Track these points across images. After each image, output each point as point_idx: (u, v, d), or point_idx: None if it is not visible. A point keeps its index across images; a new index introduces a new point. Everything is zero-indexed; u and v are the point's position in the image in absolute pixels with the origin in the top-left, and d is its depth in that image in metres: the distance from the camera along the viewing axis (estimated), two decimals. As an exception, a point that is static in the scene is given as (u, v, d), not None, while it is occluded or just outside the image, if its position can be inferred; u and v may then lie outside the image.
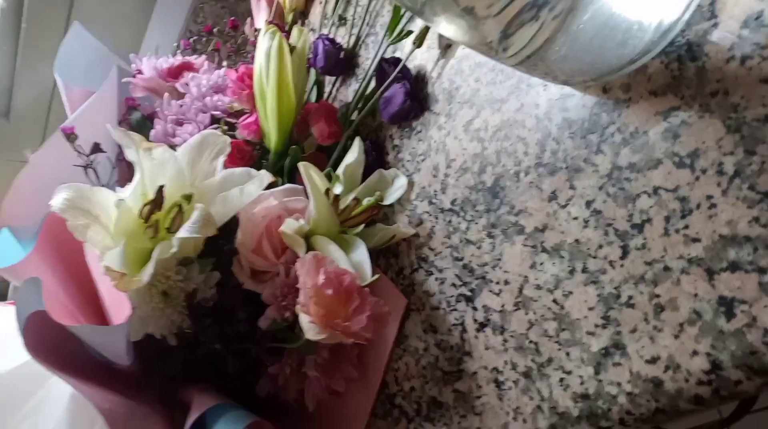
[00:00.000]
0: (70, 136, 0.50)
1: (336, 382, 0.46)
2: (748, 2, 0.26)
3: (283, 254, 0.46)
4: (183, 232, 0.39)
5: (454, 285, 0.40)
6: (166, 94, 0.54)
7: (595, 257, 0.31)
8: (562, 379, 0.32)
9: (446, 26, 0.27)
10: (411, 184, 0.45)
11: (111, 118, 0.56)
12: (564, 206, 0.33)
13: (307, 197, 0.48)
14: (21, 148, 0.96)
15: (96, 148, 0.54)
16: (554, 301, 0.33)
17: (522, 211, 0.35)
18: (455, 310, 0.40)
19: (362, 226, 0.46)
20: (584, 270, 0.32)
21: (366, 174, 0.48)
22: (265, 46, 0.47)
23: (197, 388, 0.48)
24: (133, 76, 0.58)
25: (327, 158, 0.51)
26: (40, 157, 0.50)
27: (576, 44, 0.28)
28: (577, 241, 0.32)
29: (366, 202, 0.45)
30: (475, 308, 0.38)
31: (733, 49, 0.26)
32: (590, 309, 0.31)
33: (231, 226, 0.48)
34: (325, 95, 0.58)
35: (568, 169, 0.33)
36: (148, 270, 0.39)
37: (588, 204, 0.32)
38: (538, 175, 0.35)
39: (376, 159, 0.48)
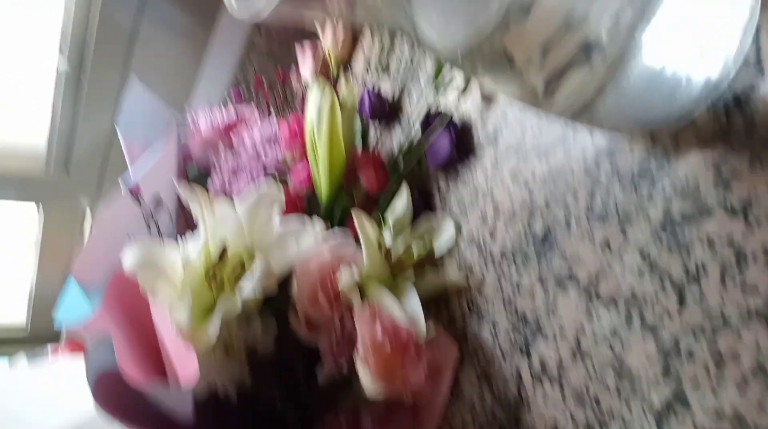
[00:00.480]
0: (136, 193, 0.53)
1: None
2: (797, 56, 0.26)
3: (337, 304, 0.47)
4: (245, 288, 0.41)
5: (508, 334, 0.40)
6: (222, 148, 0.57)
7: (652, 307, 0.31)
8: (624, 433, 0.32)
9: (488, 79, 0.28)
10: (459, 231, 0.46)
11: (171, 173, 0.59)
12: (618, 255, 0.33)
13: (357, 243, 0.50)
14: (80, 198, 1.02)
15: (158, 202, 0.57)
16: (612, 352, 0.33)
17: (575, 260, 0.36)
18: (511, 360, 0.40)
19: (413, 272, 0.47)
20: (642, 320, 0.32)
21: (414, 220, 0.49)
22: (317, 102, 0.49)
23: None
24: (191, 131, 0.62)
25: (375, 206, 0.53)
26: (107, 213, 0.53)
27: (624, 98, 0.28)
28: (632, 290, 0.32)
29: (416, 249, 0.46)
30: (531, 359, 0.38)
31: (784, 102, 0.26)
32: (650, 360, 0.31)
33: (286, 279, 0.50)
34: (371, 142, 0.59)
35: (619, 218, 0.33)
36: (214, 325, 0.41)
37: (642, 253, 0.32)
38: (589, 224, 0.35)
39: (424, 205, 0.50)
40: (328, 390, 0.45)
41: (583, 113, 0.29)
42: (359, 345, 0.39)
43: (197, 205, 0.45)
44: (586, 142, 0.36)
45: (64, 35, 0.77)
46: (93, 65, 0.80)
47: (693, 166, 0.30)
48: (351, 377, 0.45)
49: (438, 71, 0.47)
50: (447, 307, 0.46)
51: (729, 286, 0.28)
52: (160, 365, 0.52)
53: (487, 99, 0.45)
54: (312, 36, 0.75)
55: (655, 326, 0.31)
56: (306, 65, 0.67)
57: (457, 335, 0.45)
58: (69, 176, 0.93)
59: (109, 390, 0.46)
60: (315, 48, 0.67)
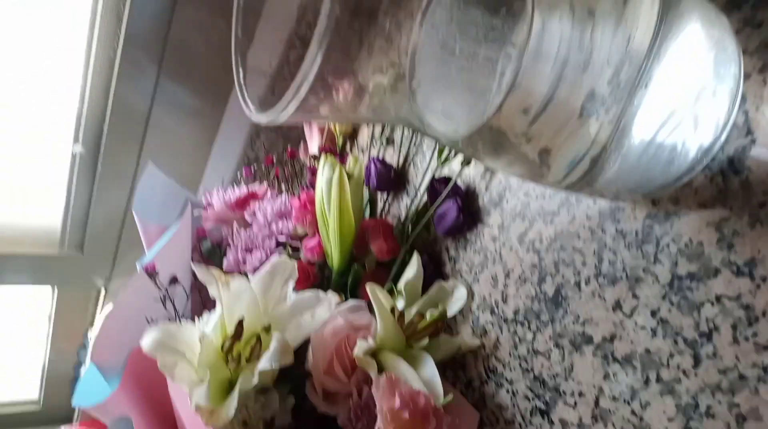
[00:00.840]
0: (153, 273, 0.55)
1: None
2: (780, 122, 0.27)
3: (353, 373, 0.47)
4: (263, 364, 0.42)
5: (527, 397, 0.40)
6: (235, 224, 0.59)
7: (668, 366, 0.32)
8: (653, 496, 0.32)
9: (488, 159, 0.30)
10: (471, 295, 0.47)
11: (186, 251, 0.61)
12: (630, 316, 0.34)
13: (371, 312, 0.50)
14: (93, 278, 1.04)
15: (173, 281, 0.58)
16: (633, 412, 0.33)
17: (588, 321, 0.36)
18: (531, 424, 0.40)
19: (427, 339, 0.48)
20: (659, 380, 0.32)
21: (425, 286, 0.50)
22: (326, 176, 0.51)
23: None
24: (204, 209, 0.64)
25: (387, 273, 0.54)
26: (125, 296, 0.54)
27: (621, 168, 0.30)
28: (647, 350, 0.33)
29: (429, 315, 0.46)
30: (552, 422, 0.38)
31: (774, 164, 0.28)
32: (670, 420, 0.31)
33: (301, 349, 0.50)
34: (378, 211, 0.61)
35: (628, 278, 0.34)
36: (233, 403, 0.41)
37: (653, 313, 0.33)
38: (599, 285, 0.36)
39: (435, 271, 0.51)
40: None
41: (582, 185, 0.31)
42: (378, 415, 0.39)
43: (213, 284, 0.46)
44: (589, 206, 0.37)
45: (79, 120, 0.80)
46: (107, 148, 0.84)
47: (695, 227, 0.31)
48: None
49: (442, 145, 0.49)
50: (464, 372, 0.46)
51: (742, 344, 0.28)
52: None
53: (488, 167, 0.47)
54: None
55: (673, 386, 0.31)
56: (313, 140, 0.70)
57: (476, 400, 0.45)
58: (83, 256, 0.94)
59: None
60: (321, 125, 0.70)
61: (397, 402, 0.38)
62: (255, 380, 0.42)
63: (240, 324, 0.44)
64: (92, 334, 1.01)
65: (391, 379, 0.40)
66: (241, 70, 0.28)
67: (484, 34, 0.30)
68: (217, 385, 0.45)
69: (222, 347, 0.45)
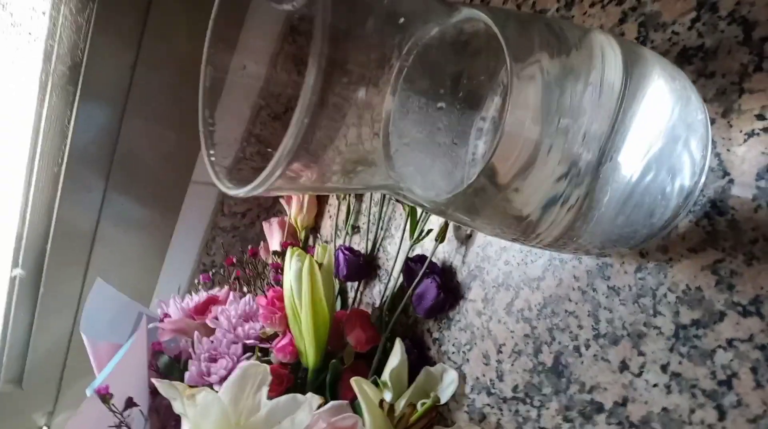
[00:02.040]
0: (105, 396, 0.49)
1: None
2: (754, 157, 0.28)
3: (344, 481, 0.42)
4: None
5: (541, 483, 0.37)
6: (196, 333, 0.54)
7: (690, 423, 0.29)
8: None
9: (471, 219, 0.29)
10: (463, 377, 0.44)
11: (142, 369, 0.55)
12: (639, 375, 0.32)
13: (354, 411, 0.46)
14: (34, 415, 0.93)
15: (130, 403, 0.52)
16: (663, 483, 0.30)
17: (595, 387, 0.34)
18: None
19: (421, 432, 0.44)
20: (685, 441, 0.29)
21: (411, 375, 0.47)
22: (295, 268, 0.48)
23: None
24: (160, 320, 0.59)
25: (367, 365, 0.50)
26: (77, 423, 0.48)
27: (601, 224, 0.29)
28: (665, 409, 0.30)
29: (421, 405, 0.43)
30: None
31: (757, 199, 0.28)
32: (708, 485, 0.28)
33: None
34: (350, 301, 0.58)
35: (630, 335, 0.33)
36: None
37: (663, 368, 0.31)
38: (600, 347, 0.34)
39: (419, 357, 0.48)
40: None
41: (566, 241, 0.30)
42: None
43: (177, 399, 0.42)
44: (575, 267, 0.36)
45: (20, 242, 0.75)
46: (50, 269, 0.78)
47: (690, 274, 0.30)
48: None
49: (414, 225, 0.48)
50: (465, 466, 0.42)
51: (767, 387, 0.27)
52: None
53: (463, 239, 0.46)
54: (277, 211, 0.78)
55: (702, 445, 0.29)
56: (274, 238, 0.68)
57: (484, 497, 0.41)
58: (22, 390, 0.85)
59: None
60: (281, 221, 0.69)
61: None
62: (235, 505, 0.37)
63: (212, 441, 0.39)
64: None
65: (391, 482, 0.36)
66: (210, 149, 0.26)
67: (455, 105, 0.31)
68: None
69: (193, 473, 0.39)
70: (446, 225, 0.45)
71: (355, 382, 0.41)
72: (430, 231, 0.47)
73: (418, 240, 0.47)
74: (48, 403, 0.91)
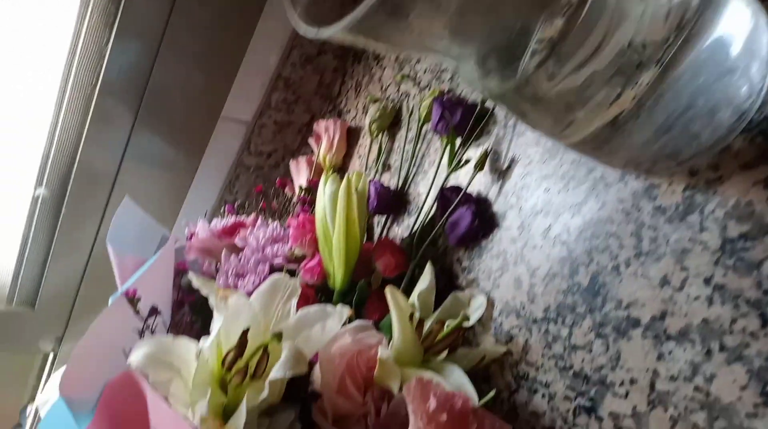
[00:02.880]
0: (133, 298, 0.49)
1: None
2: (821, 70, 0.28)
3: (368, 392, 0.43)
4: (276, 373, 0.37)
5: (567, 398, 0.37)
6: (225, 250, 0.55)
7: (731, 333, 0.30)
8: (732, 479, 0.29)
9: (525, 107, 0.29)
10: (491, 303, 0.45)
11: (168, 281, 0.56)
12: (680, 289, 0.33)
13: (378, 331, 0.47)
14: (43, 339, 0.94)
15: (154, 311, 0.53)
16: (696, 388, 0.31)
17: (632, 304, 0.35)
18: (575, 425, 0.37)
19: (445, 353, 0.44)
20: (722, 348, 0.30)
21: (437, 302, 0.47)
22: (330, 190, 0.49)
23: None
24: (187, 239, 0.60)
25: (393, 292, 0.51)
26: (101, 323, 0.48)
27: (655, 124, 0.30)
28: (705, 320, 0.31)
29: (448, 325, 0.43)
30: (600, 418, 0.35)
31: (821, 110, 0.28)
32: (742, 388, 0.29)
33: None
34: (376, 237, 0.59)
35: (673, 252, 0.33)
36: (241, 419, 0.36)
37: (707, 281, 0.31)
38: (641, 264, 0.35)
39: (447, 284, 0.48)
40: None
41: (612, 139, 0.31)
42: (412, 419, 0.35)
43: (212, 293, 0.42)
44: (620, 189, 0.37)
45: (45, 161, 0.76)
46: (74, 192, 0.78)
47: (741, 189, 0.31)
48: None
49: (453, 154, 0.48)
50: (488, 384, 0.43)
51: (813, 291, 0.27)
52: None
53: (501, 171, 0.46)
54: (304, 152, 0.78)
55: (740, 351, 0.30)
56: (301, 175, 0.69)
57: (505, 413, 0.41)
58: (34, 312, 0.85)
59: None
60: (309, 159, 0.69)
61: (433, 404, 0.35)
62: (264, 393, 0.37)
63: (245, 334, 0.40)
64: (39, 400, 0.89)
65: (422, 381, 0.36)
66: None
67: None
68: (213, 410, 0.40)
69: (223, 362, 0.40)
70: (485, 155, 0.46)
71: (389, 290, 0.41)
72: (468, 160, 0.47)
73: (457, 167, 0.48)
74: (58, 329, 0.91)
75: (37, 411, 0.97)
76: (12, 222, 0.79)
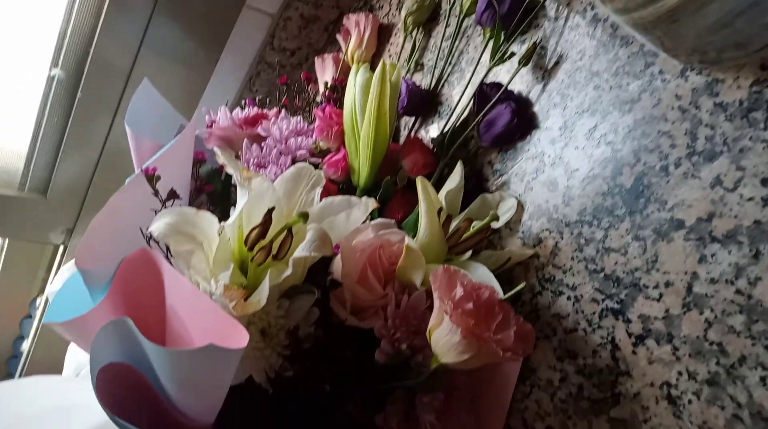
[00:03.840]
0: (152, 176, 0.48)
1: (451, 432, 0.41)
2: None
3: (388, 285, 0.43)
4: (301, 251, 0.36)
5: (594, 300, 0.37)
6: (246, 140, 0.53)
7: (785, 235, 0.29)
8: (764, 378, 0.28)
9: None
10: (521, 205, 0.43)
11: (187, 165, 0.55)
12: (733, 189, 0.31)
13: (400, 228, 0.46)
14: (53, 230, 0.94)
15: (172, 194, 0.51)
16: (738, 291, 0.30)
17: (678, 205, 0.33)
18: (600, 327, 0.36)
19: (469, 253, 0.43)
20: (773, 251, 0.29)
21: (464, 203, 0.46)
22: (362, 79, 0.46)
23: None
24: (208, 126, 0.58)
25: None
26: (119, 198, 0.47)
27: (729, 3, 0.27)
28: (756, 221, 0.30)
29: (475, 225, 0.42)
30: (628, 320, 0.34)
31: None
32: (790, 292, 0.28)
33: (324, 262, 0.45)
34: (401, 140, 0.57)
35: (730, 151, 0.31)
36: (264, 291, 0.35)
37: (764, 181, 0.30)
38: (692, 165, 0.33)
39: (476, 186, 0.47)
40: (383, 377, 0.39)
41: (683, 17, 0.28)
42: (438, 304, 0.34)
43: (237, 171, 0.41)
44: (678, 85, 0.35)
45: (62, 40, 0.73)
46: (90, 75, 0.76)
47: (818, 82, 0.29)
48: (409, 360, 0.39)
49: (497, 45, 0.45)
50: (510, 287, 0.42)
51: None
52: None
53: (546, 68, 0.44)
54: (328, 51, 0.75)
55: (792, 254, 0.28)
56: (327, 73, 0.66)
57: (526, 315, 0.41)
58: (46, 200, 0.85)
59: (111, 384, 0.39)
60: (336, 57, 0.66)
61: (459, 292, 0.34)
62: (288, 271, 0.37)
63: (269, 212, 0.39)
64: (49, 291, 0.91)
65: (449, 270, 0.35)
66: None
67: None
68: (234, 284, 0.39)
69: (245, 241, 0.39)
70: (533, 47, 0.43)
71: (420, 181, 0.40)
72: (513, 54, 0.45)
73: (501, 61, 0.45)
74: (69, 221, 0.91)
75: (47, 302, 0.99)
76: (27, 103, 0.77)
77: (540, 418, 0.38)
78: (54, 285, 0.94)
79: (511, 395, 0.40)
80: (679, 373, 0.31)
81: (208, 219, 0.39)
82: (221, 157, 0.40)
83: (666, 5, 0.28)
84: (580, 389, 0.36)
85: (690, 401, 0.31)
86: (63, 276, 0.82)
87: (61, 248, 0.97)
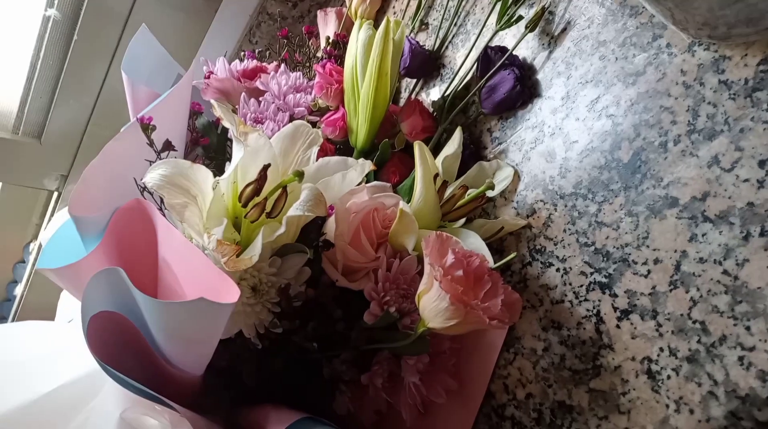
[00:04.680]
0: (147, 126, 0.48)
1: (435, 393, 0.42)
2: None
3: (380, 248, 0.43)
4: (294, 210, 0.36)
5: (583, 273, 0.37)
6: (243, 94, 0.52)
7: (777, 219, 0.29)
8: (742, 358, 0.29)
9: None
10: (518, 175, 0.43)
11: (183, 116, 0.54)
12: (729, 170, 0.31)
13: (396, 192, 0.46)
14: (48, 175, 0.93)
15: (168, 146, 0.51)
16: (725, 272, 0.30)
17: (673, 183, 0.33)
18: (586, 300, 0.36)
19: (462, 221, 0.44)
20: (763, 234, 0.29)
21: (461, 170, 0.46)
22: (364, 36, 0.45)
23: (271, 407, 0.43)
24: (205, 77, 0.57)
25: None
26: (114, 147, 0.47)
27: None
28: (750, 203, 0.30)
29: (470, 193, 0.42)
30: (614, 295, 0.35)
31: None
32: (776, 276, 0.28)
33: (317, 222, 0.45)
34: (401, 102, 0.56)
35: (731, 130, 0.31)
36: (257, 248, 0.36)
37: (762, 163, 0.30)
38: (691, 142, 0.33)
39: (473, 154, 0.46)
40: (371, 338, 0.40)
41: None
42: (428, 270, 0.34)
43: (234, 125, 0.40)
44: (685, 60, 0.34)
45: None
46: (87, 17, 0.74)
47: (826, 65, 0.28)
48: (396, 323, 0.40)
49: (504, 8, 0.44)
50: (501, 256, 0.43)
51: None
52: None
53: (553, 35, 0.43)
54: (331, 5, 0.73)
55: (783, 237, 0.28)
56: (329, 28, 0.64)
57: (515, 284, 0.41)
58: (41, 145, 0.84)
59: (102, 332, 0.40)
60: (339, 11, 0.65)
61: (450, 258, 0.34)
62: (281, 229, 0.37)
63: (265, 169, 0.39)
64: (43, 237, 0.91)
65: (442, 236, 0.36)
66: None
67: None
68: (227, 239, 0.39)
69: (239, 197, 0.39)
70: (542, 11, 0.42)
71: (418, 145, 0.39)
72: (521, 17, 0.43)
73: (508, 24, 0.44)
74: (63, 168, 0.91)
75: (40, 247, 1.00)
76: (21, 44, 0.75)
77: (521, 385, 0.39)
78: (47, 232, 0.94)
79: (495, 361, 0.41)
80: (661, 349, 0.32)
81: (203, 173, 0.39)
82: (218, 110, 0.40)
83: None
84: (563, 359, 0.37)
85: (669, 377, 0.31)
86: (56, 223, 0.82)
87: (55, 194, 0.97)
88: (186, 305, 0.33)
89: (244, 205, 0.39)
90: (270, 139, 0.43)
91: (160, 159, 0.50)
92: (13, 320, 1.09)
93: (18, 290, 1.12)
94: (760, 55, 0.31)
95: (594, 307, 0.36)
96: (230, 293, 0.34)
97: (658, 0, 0.29)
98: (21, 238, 1.10)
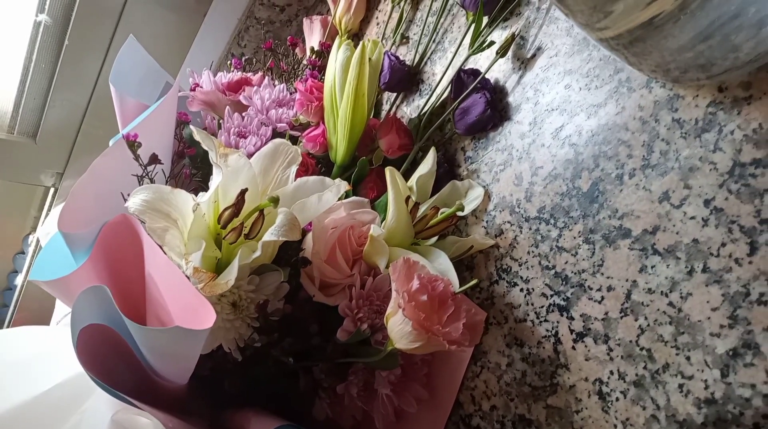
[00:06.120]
0: (133, 143, 0.49)
1: (406, 403, 0.44)
2: None
3: (355, 265, 0.45)
4: (269, 235, 0.38)
5: (544, 295, 0.39)
6: (228, 108, 0.54)
7: (717, 256, 0.30)
8: (681, 385, 0.31)
9: None
10: (488, 195, 0.45)
11: (169, 129, 0.55)
12: (678, 206, 0.32)
13: (373, 208, 0.48)
14: (44, 173, 0.95)
15: (154, 159, 0.52)
16: (670, 304, 0.32)
17: (627, 214, 0.35)
18: (546, 321, 0.38)
19: (435, 238, 0.45)
20: (705, 270, 0.31)
21: (436, 187, 0.47)
22: (342, 57, 0.47)
23: (252, 412, 0.45)
24: (191, 89, 0.58)
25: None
26: (102, 163, 0.48)
27: (695, 29, 0.28)
28: (695, 240, 0.31)
29: (443, 212, 0.44)
30: (571, 318, 0.37)
31: None
32: (714, 309, 0.30)
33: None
34: (382, 115, 0.57)
35: (681, 168, 0.33)
36: (232, 272, 0.37)
37: (707, 202, 0.31)
38: (645, 177, 0.34)
39: (447, 172, 0.48)
40: (344, 352, 0.42)
41: (647, 39, 0.29)
42: (394, 295, 0.36)
43: (213, 148, 0.42)
44: (643, 98, 0.35)
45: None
46: (78, 20, 0.75)
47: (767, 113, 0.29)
48: (370, 339, 0.42)
49: (476, 33, 0.45)
50: (471, 273, 0.44)
51: (810, 227, 0.27)
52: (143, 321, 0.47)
53: (524, 59, 0.44)
54: (317, 12, 0.74)
55: (721, 275, 0.30)
56: (314, 36, 0.65)
57: (483, 301, 0.43)
58: (36, 145, 0.85)
59: (95, 348, 0.42)
60: (324, 20, 0.65)
61: (416, 284, 0.36)
62: (257, 253, 0.38)
63: (242, 193, 0.40)
64: (40, 231, 0.93)
65: (408, 262, 0.37)
66: None
67: None
68: (206, 262, 0.41)
69: (219, 219, 0.41)
70: (512, 38, 0.43)
71: (389, 171, 0.41)
72: (492, 43, 0.45)
73: (479, 49, 0.45)
74: (59, 165, 0.92)
75: (38, 240, 1.02)
76: (13, 49, 0.76)
77: (487, 397, 0.41)
78: (45, 226, 0.96)
79: (463, 374, 0.43)
80: (611, 372, 0.34)
81: (183, 197, 0.41)
82: (197, 135, 0.41)
83: (631, 24, 0.29)
84: (524, 375, 0.39)
85: (617, 399, 0.33)
86: (54, 217, 0.84)
87: (52, 190, 0.99)
88: (163, 331, 0.35)
89: (223, 227, 0.41)
90: (252, 156, 0.45)
91: (147, 173, 0.52)
92: (14, 308, 1.12)
93: (19, 280, 1.14)
94: (710, 97, 0.32)
95: (553, 328, 0.38)
96: (207, 317, 0.36)
97: (611, 46, 0.30)
98: (20, 230, 1.12)
